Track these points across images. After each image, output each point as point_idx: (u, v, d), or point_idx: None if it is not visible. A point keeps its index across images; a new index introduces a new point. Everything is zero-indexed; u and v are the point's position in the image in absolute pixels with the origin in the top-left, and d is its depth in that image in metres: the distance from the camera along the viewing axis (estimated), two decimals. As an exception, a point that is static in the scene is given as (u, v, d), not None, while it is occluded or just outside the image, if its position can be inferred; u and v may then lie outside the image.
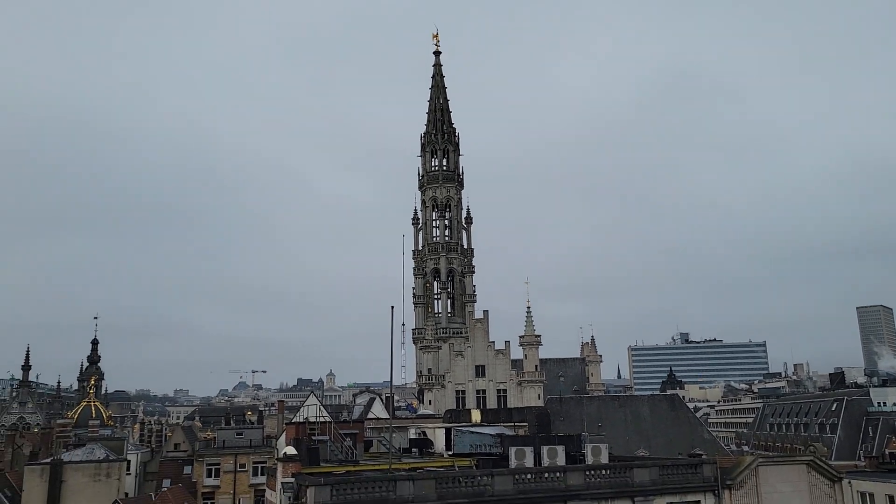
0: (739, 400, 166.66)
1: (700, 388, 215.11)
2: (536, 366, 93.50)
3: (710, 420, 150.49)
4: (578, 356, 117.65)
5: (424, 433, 48.84)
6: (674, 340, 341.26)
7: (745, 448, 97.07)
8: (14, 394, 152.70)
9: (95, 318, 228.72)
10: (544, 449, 34.23)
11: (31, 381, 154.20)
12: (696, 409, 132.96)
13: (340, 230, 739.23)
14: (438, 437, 45.77)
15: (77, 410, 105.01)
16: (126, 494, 62.05)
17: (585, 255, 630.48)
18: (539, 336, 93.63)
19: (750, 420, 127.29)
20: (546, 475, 31.99)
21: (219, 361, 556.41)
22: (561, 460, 33.74)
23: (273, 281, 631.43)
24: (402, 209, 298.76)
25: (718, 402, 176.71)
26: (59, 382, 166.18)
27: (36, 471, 56.68)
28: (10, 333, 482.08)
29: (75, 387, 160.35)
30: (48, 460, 59.12)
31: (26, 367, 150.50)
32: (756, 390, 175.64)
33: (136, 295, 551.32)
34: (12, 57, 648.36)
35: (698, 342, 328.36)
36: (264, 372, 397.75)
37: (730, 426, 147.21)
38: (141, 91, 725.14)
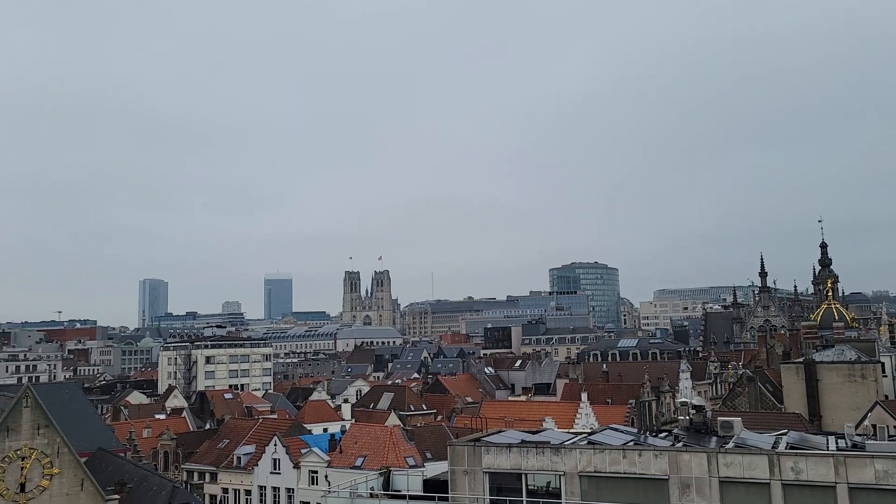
0: None
1: None
2: None
3: None
4: None
5: None
6: None
7: None
8: (757, 298, 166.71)
9: (820, 221, 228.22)
10: None
11: (769, 287, 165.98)
12: None
13: None
14: None
15: (818, 313, 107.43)
16: (885, 396, 60.50)
17: None
18: None
19: None
20: None
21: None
22: None
23: None
24: None
25: None
26: (794, 286, 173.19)
27: (791, 369, 60.82)
28: (744, 243, 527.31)
29: (810, 290, 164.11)
30: (800, 360, 62.39)
31: (763, 274, 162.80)
32: None
33: (834, 199, 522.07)
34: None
35: None
36: None
37: None
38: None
